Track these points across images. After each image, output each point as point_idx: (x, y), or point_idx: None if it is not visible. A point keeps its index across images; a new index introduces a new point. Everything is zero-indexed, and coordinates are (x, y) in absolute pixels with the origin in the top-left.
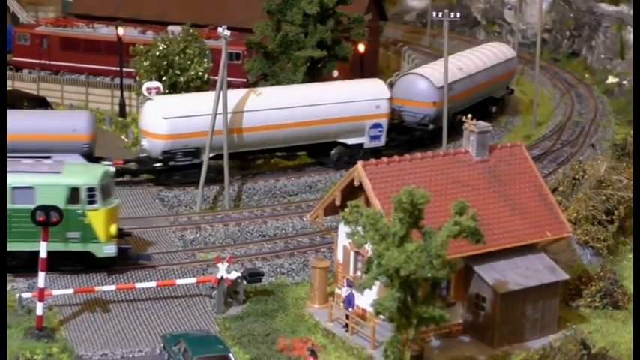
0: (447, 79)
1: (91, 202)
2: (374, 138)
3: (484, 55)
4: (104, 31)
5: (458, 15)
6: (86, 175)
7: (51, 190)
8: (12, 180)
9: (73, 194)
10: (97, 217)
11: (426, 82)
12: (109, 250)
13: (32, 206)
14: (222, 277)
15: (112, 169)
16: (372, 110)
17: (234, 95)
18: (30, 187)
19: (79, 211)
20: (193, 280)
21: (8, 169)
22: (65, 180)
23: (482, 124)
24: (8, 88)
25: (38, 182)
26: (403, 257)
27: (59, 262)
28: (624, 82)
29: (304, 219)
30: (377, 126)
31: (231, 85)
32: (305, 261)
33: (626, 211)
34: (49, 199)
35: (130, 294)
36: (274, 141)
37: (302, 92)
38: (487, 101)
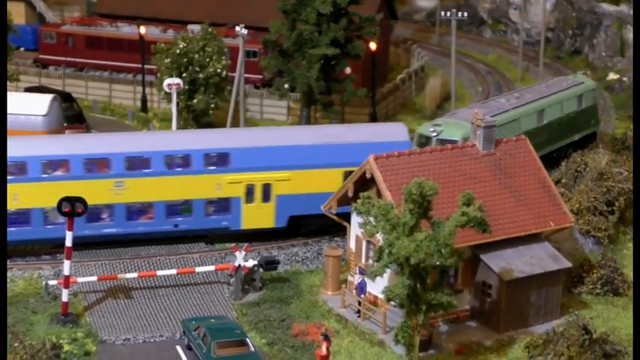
0: (454, 81)
1: None
2: None
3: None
4: (127, 30)
5: (465, 14)
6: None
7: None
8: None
9: None
10: None
11: None
12: None
13: None
14: (239, 265)
15: None
16: None
17: None
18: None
19: None
20: (212, 268)
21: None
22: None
23: (488, 119)
24: (35, 84)
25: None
26: (413, 246)
27: None
28: (624, 78)
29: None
30: None
31: (248, 82)
32: (319, 250)
33: (626, 202)
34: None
35: (152, 281)
36: None
37: None
38: None
